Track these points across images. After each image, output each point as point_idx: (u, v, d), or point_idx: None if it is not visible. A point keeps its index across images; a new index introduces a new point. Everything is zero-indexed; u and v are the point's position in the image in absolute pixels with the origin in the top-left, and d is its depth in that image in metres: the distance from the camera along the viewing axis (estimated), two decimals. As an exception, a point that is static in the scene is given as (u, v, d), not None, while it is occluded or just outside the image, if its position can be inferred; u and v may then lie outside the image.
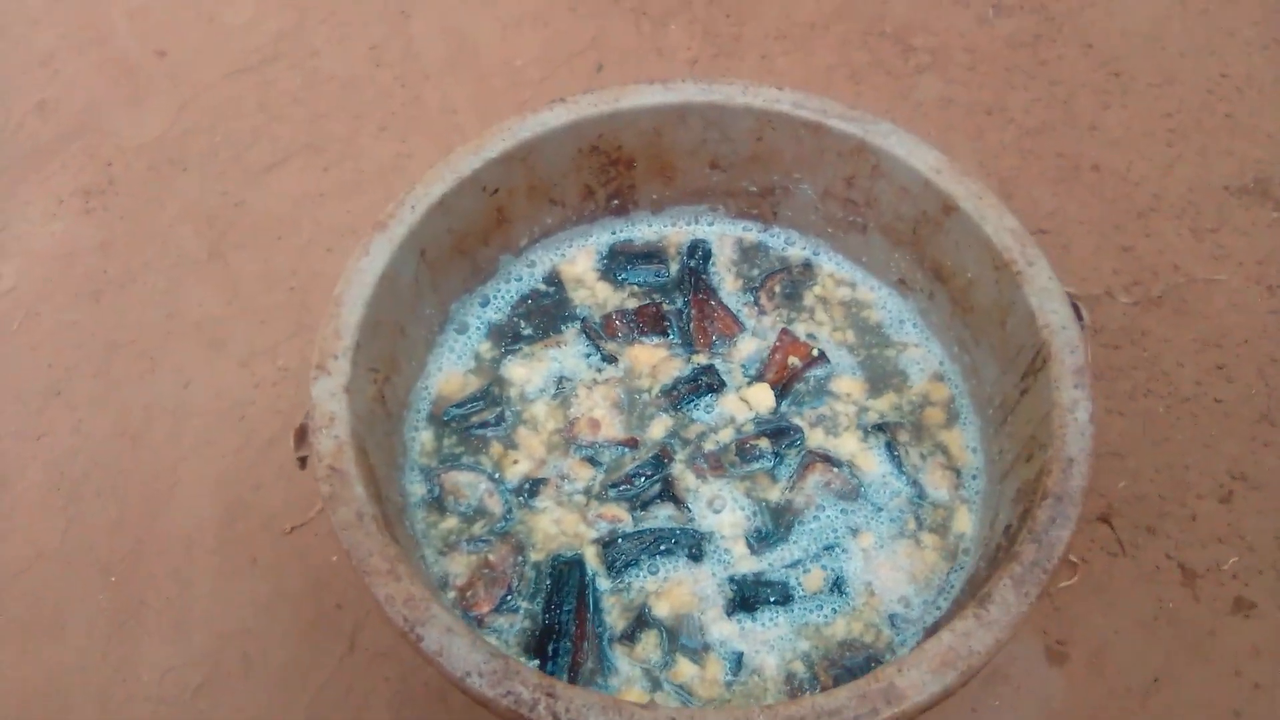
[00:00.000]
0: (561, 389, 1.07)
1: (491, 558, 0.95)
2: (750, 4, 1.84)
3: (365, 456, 0.87)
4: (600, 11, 1.84)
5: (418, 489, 1.00)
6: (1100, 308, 1.46)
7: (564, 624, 0.91)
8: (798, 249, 1.17)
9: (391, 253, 0.96)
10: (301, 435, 0.88)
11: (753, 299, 1.13)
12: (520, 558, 0.96)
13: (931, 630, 0.89)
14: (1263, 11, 1.79)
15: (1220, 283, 1.48)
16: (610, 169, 1.11)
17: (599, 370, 1.08)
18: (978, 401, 1.03)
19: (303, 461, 0.87)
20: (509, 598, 0.93)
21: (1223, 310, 1.45)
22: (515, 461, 1.02)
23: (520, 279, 1.15)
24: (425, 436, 1.03)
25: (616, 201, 1.15)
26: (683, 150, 1.11)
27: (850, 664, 0.90)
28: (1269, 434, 1.34)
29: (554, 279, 1.15)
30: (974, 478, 1.01)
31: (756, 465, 1.01)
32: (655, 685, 0.89)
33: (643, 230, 1.18)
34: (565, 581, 0.93)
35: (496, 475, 1.01)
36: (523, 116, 1.05)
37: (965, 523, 0.98)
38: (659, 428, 1.04)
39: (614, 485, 1.00)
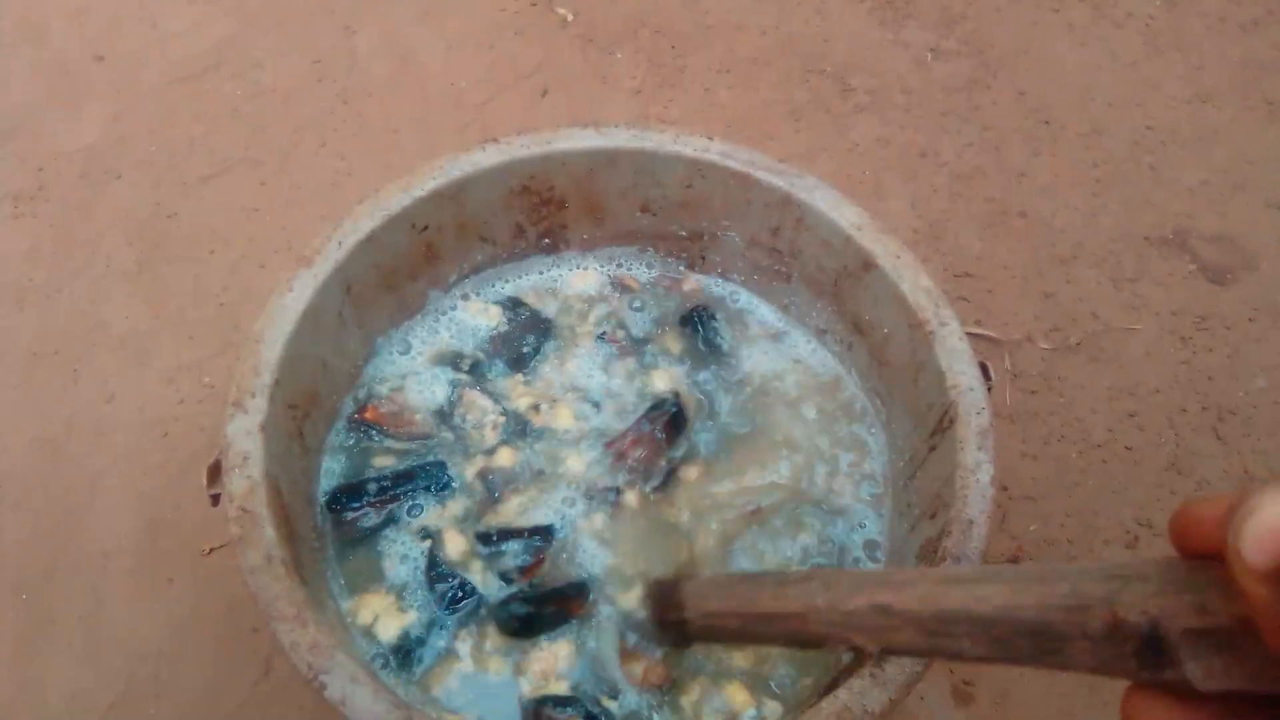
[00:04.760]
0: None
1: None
2: (696, 36, 1.86)
3: (279, 496, 0.87)
4: (546, 36, 1.84)
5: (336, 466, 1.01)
6: (1020, 352, 1.50)
7: None
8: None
9: (315, 289, 0.96)
10: (215, 472, 0.87)
11: None
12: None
13: (830, 686, 0.91)
14: (1187, 67, 1.86)
15: (1136, 332, 1.53)
16: (542, 209, 1.12)
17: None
18: (891, 452, 1.06)
19: (215, 499, 0.87)
20: None
21: (1137, 359, 1.50)
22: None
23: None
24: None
25: (547, 240, 1.16)
26: (614, 193, 1.12)
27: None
28: (1175, 482, 1.39)
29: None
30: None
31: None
32: None
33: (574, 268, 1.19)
34: None
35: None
36: (454, 155, 1.05)
37: (872, 573, 1.00)
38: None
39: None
